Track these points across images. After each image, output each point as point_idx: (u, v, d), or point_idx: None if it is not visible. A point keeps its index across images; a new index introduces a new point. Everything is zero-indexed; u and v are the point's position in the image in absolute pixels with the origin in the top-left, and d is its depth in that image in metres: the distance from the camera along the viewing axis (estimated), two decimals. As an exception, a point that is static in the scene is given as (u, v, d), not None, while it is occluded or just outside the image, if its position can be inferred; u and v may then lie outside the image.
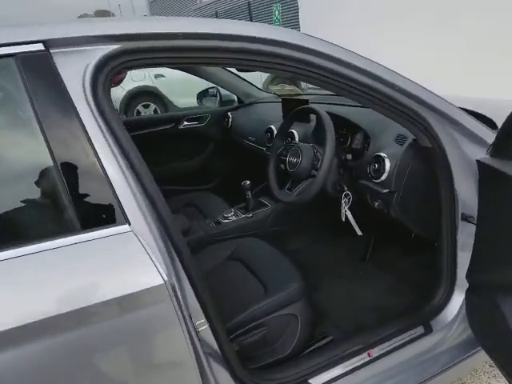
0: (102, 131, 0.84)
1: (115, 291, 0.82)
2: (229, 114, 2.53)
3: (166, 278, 0.86)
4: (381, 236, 2.06)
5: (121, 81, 7.26)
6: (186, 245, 0.96)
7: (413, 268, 1.88)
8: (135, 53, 0.90)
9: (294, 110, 1.63)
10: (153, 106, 7.38)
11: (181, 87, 6.30)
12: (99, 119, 0.84)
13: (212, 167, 2.65)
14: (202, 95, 2.79)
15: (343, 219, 1.55)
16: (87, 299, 0.79)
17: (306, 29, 8.01)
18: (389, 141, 1.43)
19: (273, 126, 2.00)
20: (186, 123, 2.51)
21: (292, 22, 9.99)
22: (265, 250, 1.66)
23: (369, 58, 1.07)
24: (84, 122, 0.82)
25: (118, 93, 7.10)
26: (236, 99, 2.66)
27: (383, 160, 1.35)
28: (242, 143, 2.36)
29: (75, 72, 0.84)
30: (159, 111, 7.38)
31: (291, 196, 1.53)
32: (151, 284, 0.85)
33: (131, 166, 0.88)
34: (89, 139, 0.82)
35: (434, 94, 1.16)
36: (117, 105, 7.04)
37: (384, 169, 1.35)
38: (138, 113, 7.28)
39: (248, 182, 1.90)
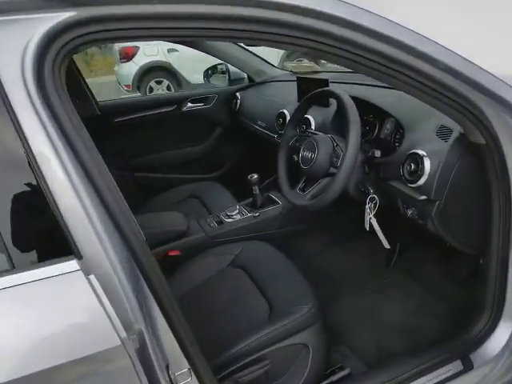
0: (46, 132, 0.61)
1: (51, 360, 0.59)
2: (237, 94, 2.24)
3: (125, 334, 0.63)
4: (408, 239, 1.78)
5: (133, 55, 7.04)
6: (162, 279, 0.73)
7: (448, 282, 1.61)
8: (98, 22, 0.64)
9: (311, 92, 1.34)
10: (166, 82, 7.15)
11: (195, 62, 6.01)
12: (44, 117, 0.61)
13: (218, 155, 2.38)
14: (210, 72, 2.50)
15: (367, 227, 1.28)
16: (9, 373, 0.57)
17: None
18: (428, 134, 1.14)
19: (285, 111, 1.71)
20: (189, 105, 2.24)
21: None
22: (273, 256, 1.42)
23: (398, 23, 0.77)
24: (20, 121, 0.60)
25: (131, 68, 6.88)
26: (246, 77, 2.37)
27: (421, 159, 1.07)
28: (251, 129, 2.08)
29: (10, 50, 0.59)
30: (172, 88, 7.14)
31: (304, 198, 1.26)
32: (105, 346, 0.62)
33: (89, 179, 0.65)
34: (27, 145, 0.60)
35: (491, 73, 0.85)
36: (130, 80, 6.85)
37: (422, 171, 1.06)
38: (151, 89, 7.06)
39: (255, 176, 1.63)
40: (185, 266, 1.41)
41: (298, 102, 1.74)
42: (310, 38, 0.75)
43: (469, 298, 1.22)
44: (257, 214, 1.63)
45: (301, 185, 1.34)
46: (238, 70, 2.33)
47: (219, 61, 2.43)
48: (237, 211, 1.66)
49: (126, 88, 7.13)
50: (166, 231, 1.49)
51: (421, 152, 1.08)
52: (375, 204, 1.24)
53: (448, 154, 1.04)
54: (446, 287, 1.61)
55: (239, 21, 0.70)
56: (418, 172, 1.08)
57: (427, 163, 1.06)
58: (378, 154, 1.18)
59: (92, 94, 2.01)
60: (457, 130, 1.05)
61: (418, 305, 1.58)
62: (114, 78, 7.70)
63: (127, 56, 7.00)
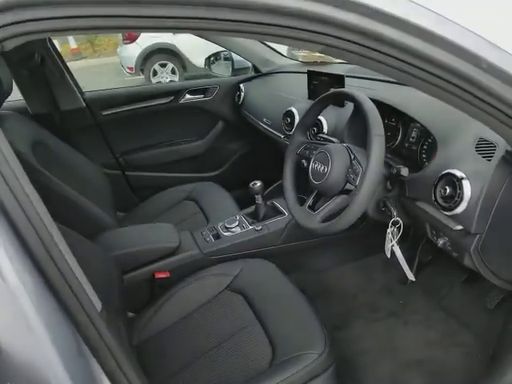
0: None
1: None
2: (241, 86, 2.02)
3: None
4: (428, 254, 1.59)
5: (137, 37, 6.78)
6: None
7: (473, 306, 1.42)
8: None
9: (325, 93, 1.13)
10: (170, 65, 6.91)
11: (201, 45, 5.75)
12: None
13: (219, 152, 2.18)
14: (212, 59, 2.27)
15: (388, 255, 1.08)
16: None
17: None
18: (466, 148, 0.93)
19: (294, 109, 1.50)
20: (188, 96, 2.02)
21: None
22: (277, 280, 1.25)
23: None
24: None
25: (134, 50, 6.65)
26: (251, 67, 2.15)
27: (460, 183, 0.86)
28: (255, 125, 1.87)
29: None
30: (177, 71, 6.89)
31: (314, 220, 1.07)
32: None
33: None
34: None
35: None
36: (133, 62, 6.62)
37: (461, 197, 0.86)
38: (155, 72, 6.83)
39: (258, 184, 1.44)
40: (173, 290, 1.23)
41: (309, 98, 1.53)
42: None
43: (497, 330, 1.04)
44: (259, 228, 1.43)
45: (310, 201, 1.14)
46: (243, 59, 2.11)
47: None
48: (236, 223, 1.47)
49: (128, 70, 6.90)
50: (153, 249, 1.31)
51: (459, 173, 0.87)
52: (399, 228, 1.04)
53: (493, 176, 0.84)
54: (472, 313, 1.42)
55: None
56: (454, 198, 0.87)
57: (467, 188, 0.85)
58: (405, 172, 0.97)
59: (77, 84, 1.80)
60: (501, 145, 0.85)
61: (439, 332, 1.40)
62: (117, 59, 7.48)
63: (130, 37, 6.76)
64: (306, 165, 1.18)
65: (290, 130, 1.51)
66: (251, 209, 1.56)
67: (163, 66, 6.91)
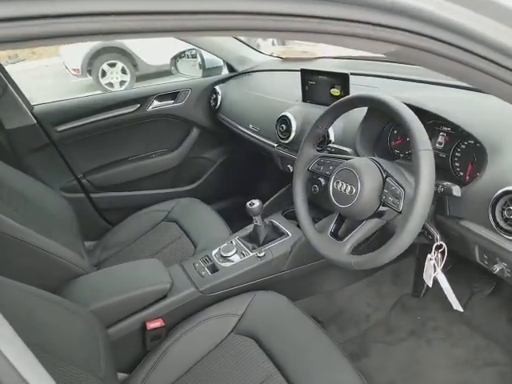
0: None
1: None
2: (217, 88, 1.80)
3: None
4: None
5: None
6: None
7: (501, 317, 1.31)
8: None
9: (343, 99, 0.94)
10: (120, 65, 6.47)
11: (153, 41, 5.41)
12: None
13: (195, 163, 1.95)
14: (178, 58, 2.02)
15: (429, 284, 0.93)
16: None
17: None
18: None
19: (289, 114, 1.30)
20: (156, 103, 1.78)
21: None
22: (293, 318, 1.08)
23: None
24: None
25: (78, 50, 6.16)
26: (223, 66, 1.93)
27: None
28: (235, 132, 1.66)
29: None
30: (127, 70, 6.47)
31: (342, 250, 0.89)
32: None
33: None
34: None
35: None
36: (78, 63, 6.14)
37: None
38: (104, 73, 6.37)
39: (257, 204, 1.24)
40: (169, 341, 1.03)
41: (303, 101, 1.34)
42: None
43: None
44: (262, 254, 1.24)
45: (332, 227, 0.96)
46: (213, 57, 1.89)
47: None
48: (234, 250, 1.27)
49: (73, 72, 6.39)
50: (141, 295, 1.08)
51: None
52: (443, 253, 0.89)
53: None
54: (497, 325, 1.31)
55: None
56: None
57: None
58: (457, 192, 0.81)
59: (24, 96, 1.51)
60: None
61: (466, 350, 1.28)
62: (60, 60, 6.91)
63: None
64: (322, 183, 0.99)
65: (286, 138, 1.32)
66: (246, 230, 1.36)
67: (112, 65, 6.48)
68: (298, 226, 1.38)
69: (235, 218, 1.64)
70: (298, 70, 1.34)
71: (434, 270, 0.90)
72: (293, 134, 1.29)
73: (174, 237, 1.51)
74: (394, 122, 1.09)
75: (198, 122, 1.87)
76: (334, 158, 0.97)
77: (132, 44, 6.33)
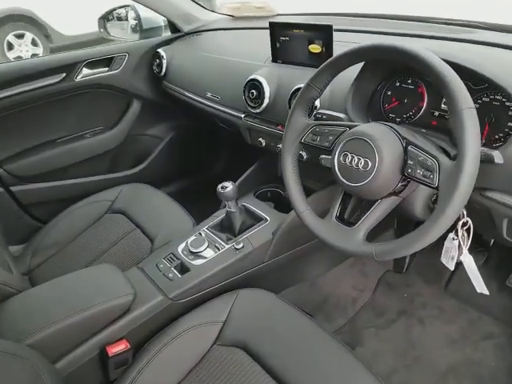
0: None
1: None
2: (160, 51, 1.51)
3: None
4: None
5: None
6: None
7: (490, 287, 1.25)
8: None
9: (348, 50, 0.75)
10: (29, 36, 5.68)
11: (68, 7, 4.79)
12: None
13: (138, 141, 1.68)
14: (108, 17, 1.69)
15: (451, 268, 0.80)
16: None
17: None
18: None
19: (260, 77, 1.09)
20: (86, 71, 1.46)
21: None
22: (287, 319, 0.91)
23: None
24: None
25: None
26: (164, 26, 1.65)
27: None
28: (191, 103, 1.42)
29: None
30: (39, 42, 5.71)
31: (356, 238, 0.72)
32: None
33: None
34: None
35: None
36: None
37: None
38: (10, 46, 5.56)
39: (229, 187, 1.03)
40: (138, 365, 0.82)
41: (274, 61, 1.14)
42: None
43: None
44: (240, 246, 1.04)
45: (337, 210, 0.79)
46: (150, 15, 1.60)
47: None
48: (206, 244, 1.06)
49: (-28, 46, 5.52)
50: (95, 315, 0.84)
51: None
52: (468, 231, 0.76)
53: None
54: (491, 297, 1.26)
55: None
56: None
57: None
58: (499, 158, 0.67)
59: None
60: None
61: (460, 326, 1.22)
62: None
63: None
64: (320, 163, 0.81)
65: (257, 107, 1.11)
66: (216, 218, 1.16)
67: (20, 36, 5.68)
68: (275, 207, 1.21)
69: (193, 203, 1.42)
70: (259, 28, 1.12)
71: (457, 252, 0.77)
72: (266, 102, 1.08)
73: (124, 231, 1.26)
74: (387, 82, 0.93)
75: (138, 92, 1.59)
76: (334, 125, 0.79)
77: (42, 11, 5.57)
